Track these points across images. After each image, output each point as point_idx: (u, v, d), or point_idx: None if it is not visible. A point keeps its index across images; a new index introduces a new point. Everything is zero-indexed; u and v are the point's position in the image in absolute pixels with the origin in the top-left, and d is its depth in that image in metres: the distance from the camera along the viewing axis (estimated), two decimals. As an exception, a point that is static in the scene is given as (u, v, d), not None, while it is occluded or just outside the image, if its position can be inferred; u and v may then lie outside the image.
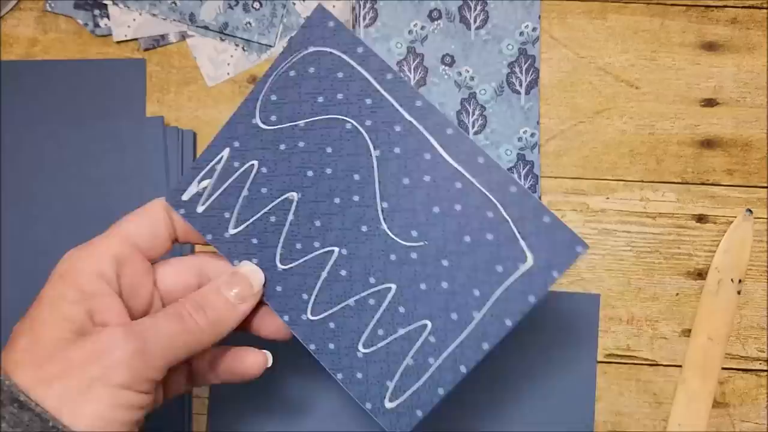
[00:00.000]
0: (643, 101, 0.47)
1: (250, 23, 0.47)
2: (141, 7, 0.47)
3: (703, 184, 0.47)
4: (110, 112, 0.47)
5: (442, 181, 0.31)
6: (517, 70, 0.46)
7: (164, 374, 0.29)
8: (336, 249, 0.32)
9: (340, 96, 0.32)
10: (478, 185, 0.30)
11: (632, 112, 0.47)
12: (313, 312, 0.33)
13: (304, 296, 0.33)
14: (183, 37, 0.48)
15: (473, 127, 0.46)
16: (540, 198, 0.46)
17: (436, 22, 0.46)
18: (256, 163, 0.33)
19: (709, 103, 0.47)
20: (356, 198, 0.32)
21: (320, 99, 0.32)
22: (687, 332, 0.46)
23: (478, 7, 0.46)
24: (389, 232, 0.31)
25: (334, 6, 0.48)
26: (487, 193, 0.30)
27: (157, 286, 0.33)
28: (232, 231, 0.33)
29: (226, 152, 0.34)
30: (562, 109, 0.47)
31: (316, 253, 0.33)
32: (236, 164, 0.33)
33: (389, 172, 0.31)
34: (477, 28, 0.46)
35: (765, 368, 0.46)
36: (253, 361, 0.33)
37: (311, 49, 0.32)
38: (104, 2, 0.48)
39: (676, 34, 0.48)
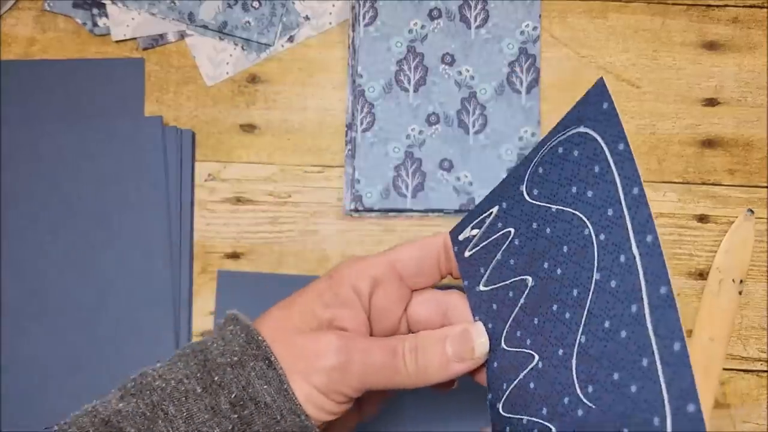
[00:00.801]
0: (644, 101, 0.47)
1: (249, 22, 0.47)
2: (140, 7, 0.47)
3: (704, 184, 0.47)
4: (109, 111, 0.47)
5: (634, 348, 0.25)
6: (517, 69, 0.46)
7: (359, 394, 0.31)
8: (536, 357, 0.30)
9: (590, 194, 0.28)
10: (661, 379, 0.24)
11: (633, 111, 0.47)
12: (503, 406, 0.31)
13: (504, 386, 0.31)
14: (182, 36, 0.48)
15: (473, 126, 0.46)
16: None
17: (436, 21, 0.46)
18: (512, 231, 0.32)
19: (710, 102, 0.47)
20: (567, 315, 0.28)
21: (574, 189, 0.29)
22: (688, 332, 0.46)
23: (479, 6, 0.46)
24: (574, 372, 0.27)
25: (333, 5, 0.48)
26: (665, 397, 0.24)
27: (408, 312, 0.34)
28: (482, 287, 0.33)
29: (495, 209, 0.33)
30: (562, 108, 0.47)
31: (524, 350, 0.30)
32: (499, 225, 0.32)
33: (599, 305, 0.27)
34: (477, 27, 0.46)
35: (766, 369, 0.45)
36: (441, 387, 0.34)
37: (582, 128, 0.29)
38: (103, 1, 0.47)
39: (677, 33, 0.47)
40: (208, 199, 0.47)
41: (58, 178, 0.46)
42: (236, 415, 0.29)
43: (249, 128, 0.47)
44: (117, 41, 0.48)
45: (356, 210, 0.45)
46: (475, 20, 0.46)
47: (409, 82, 0.46)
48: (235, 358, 0.30)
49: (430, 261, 0.34)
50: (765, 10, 0.48)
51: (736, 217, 0.46)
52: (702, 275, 0.46)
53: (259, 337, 0.30)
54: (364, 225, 0.46)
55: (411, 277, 0.34)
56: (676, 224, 0.46)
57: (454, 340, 0.32)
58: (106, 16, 0.48)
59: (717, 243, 0.46)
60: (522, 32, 0.46)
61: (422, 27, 0.46)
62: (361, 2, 0.46)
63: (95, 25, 0.48)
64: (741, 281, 0.45)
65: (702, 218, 0.46)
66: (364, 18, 0.46)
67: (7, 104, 0.46)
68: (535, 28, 0.46)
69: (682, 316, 0.47)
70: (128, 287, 0.45)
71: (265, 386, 0.29)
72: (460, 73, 0.46)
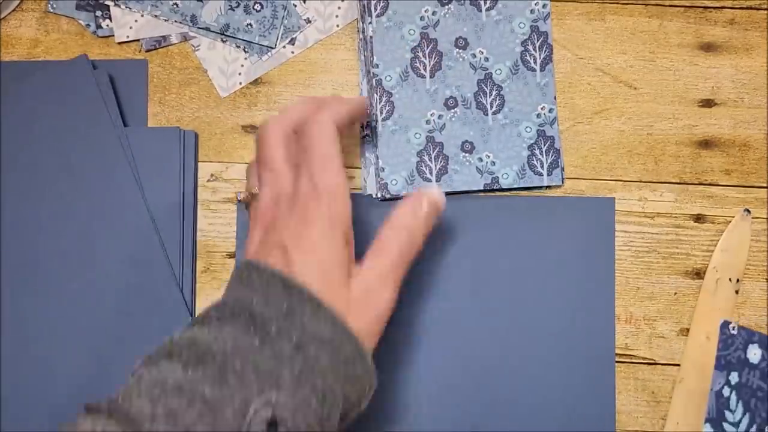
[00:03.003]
0: (642, 102, 0.47)
1: (251, 25, 0.48)
2: (143, 9, 0.48)
3: (701, 184, 0.47)
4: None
5: None
6: (530, 47, 0.47)
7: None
8: None
9: None
10: None
11: (630, 112, 0.47)
12: None
13: None
14: (185, 38, 0.48)
15: (491, 107, 0.46)
16: (563, 173, 0.46)
17: (446, 7, 0.47)
18: None
19: (707, 103, 0.47)
20: None
21: None
22: (685, 331, 0.46)
23: None
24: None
25: (339, 7, 0.48)
26: None
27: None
28: None
29: None
30: (560, 109, 0.48)
31: None
32: None
33: None
34: (488, 9, 0.47)
35: (762, 367, 0.46)
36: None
37: None
38: (106, 3, 0.48)
39: (674, 34, 0.48)
40: (210, 199, 0.47)
41: (58, 178, 0.46)
42: (301, 356, 0.31)
43: (251, 129, 0.48)
44: (120, 43, 0.48)
45: (383, 198, 0.46)
46: (485, 2, 0.47)
47: (425, 69, 0.46)
48: (284, 307, 0.31)
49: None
50: (762, 11, 0.48)
51: (733, 216, 0.46)
52: (699, 274, 0.46)
53: (298, 282, 0.32)
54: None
55: None
56: (673, 224, 0.47)
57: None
58: (110, 18, 0.48)
59: (714, 242, 0.46)
60: (532, 10, 0.47)
61: (433, 13, 0.47)
62: None
63: (98, 26, 0.48)
64: (738, 280, 0.46)
65: (699, 218, 0.47)
66: (375, 9, 0.46)
67: (8, 104, 0.47)
68: (544, 6, 0.47)
69: (679, 315, 0.47)
70: (131, 287, 0.45)
71: (321, 324, 0.31)
72: (474, 55, 0.47)
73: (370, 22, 0.46)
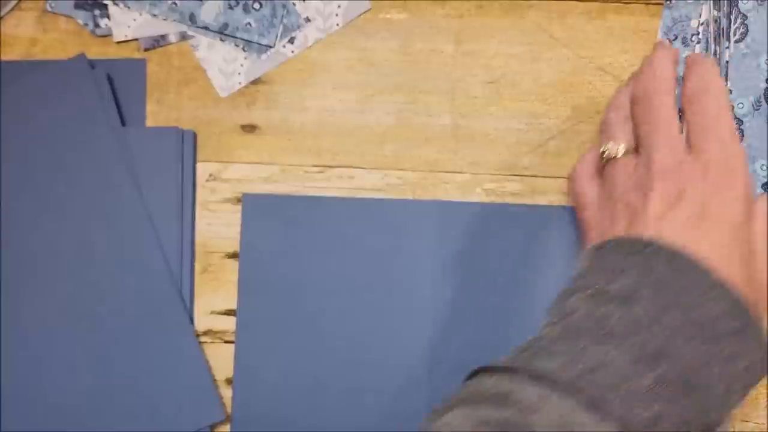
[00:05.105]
0: (643, 101, 0.47)
1: (250, 24, 0.47)
2: (141, 8, 0.47)
3: (703, 184, 0.47)
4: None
5: None
6: None
7: None
8: None
9: None
10: None
11: (632, 112, 0.47)
12: None
13: None
14: (183, 37, 0.48)
15: None
16: None
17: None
18: None
19: (709, 103, 0.47)
20: None
21: None
22: (687, 332, 0.46)
23: (738, 20, 0.46)
24: None
25: (339, 6, 0.48)
26: None
27: None
28: None
29: None
30: (562, 109, 0.47)
31: None
32: None
33: None
34: (737, 41, 0.46)
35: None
36: None
37: None
38: (104, 2, 0.48)
39: (676, 34, 0.48)
40: (209, 199, 0.47)
41: (55, 178, 0.46)
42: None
43: (250, 128, 0.47)
44: (118, 42, 0.48)
45: None
46: (735, 34, 0.46)
47: None
48: (737, 324, 0.29)
49: None
50: (764, 11, 0.48)
51: (735, 217, 0.46)
52: (701, 275, 0.46)
53: (746, 303, 0.30)
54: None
55: None
56: (675, 224, 0.46)
57: None
58: (108, 17, 0.48)
59: (716, 243, 0.46)
60: None
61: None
62: (732, 18, 0.46)
63: (97, 25, 0.48)
64: (740, 281, 0.45)
65: (701, 218, 0.46)
66: (735, 34, 0.46)
67: (5, 103, 0.46)
68: None
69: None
70: (128, 287, 0.45)
71: (754, 344, 0.30)
72: None
73: (728, 47, 0.46)
